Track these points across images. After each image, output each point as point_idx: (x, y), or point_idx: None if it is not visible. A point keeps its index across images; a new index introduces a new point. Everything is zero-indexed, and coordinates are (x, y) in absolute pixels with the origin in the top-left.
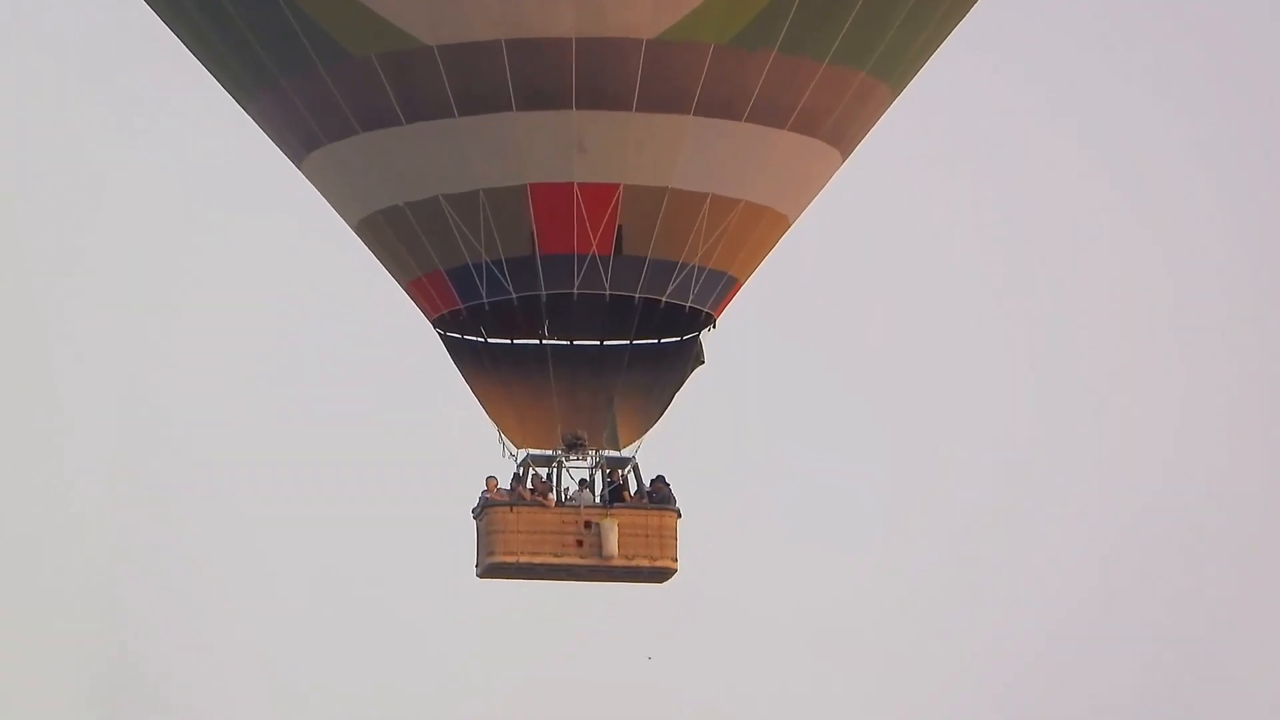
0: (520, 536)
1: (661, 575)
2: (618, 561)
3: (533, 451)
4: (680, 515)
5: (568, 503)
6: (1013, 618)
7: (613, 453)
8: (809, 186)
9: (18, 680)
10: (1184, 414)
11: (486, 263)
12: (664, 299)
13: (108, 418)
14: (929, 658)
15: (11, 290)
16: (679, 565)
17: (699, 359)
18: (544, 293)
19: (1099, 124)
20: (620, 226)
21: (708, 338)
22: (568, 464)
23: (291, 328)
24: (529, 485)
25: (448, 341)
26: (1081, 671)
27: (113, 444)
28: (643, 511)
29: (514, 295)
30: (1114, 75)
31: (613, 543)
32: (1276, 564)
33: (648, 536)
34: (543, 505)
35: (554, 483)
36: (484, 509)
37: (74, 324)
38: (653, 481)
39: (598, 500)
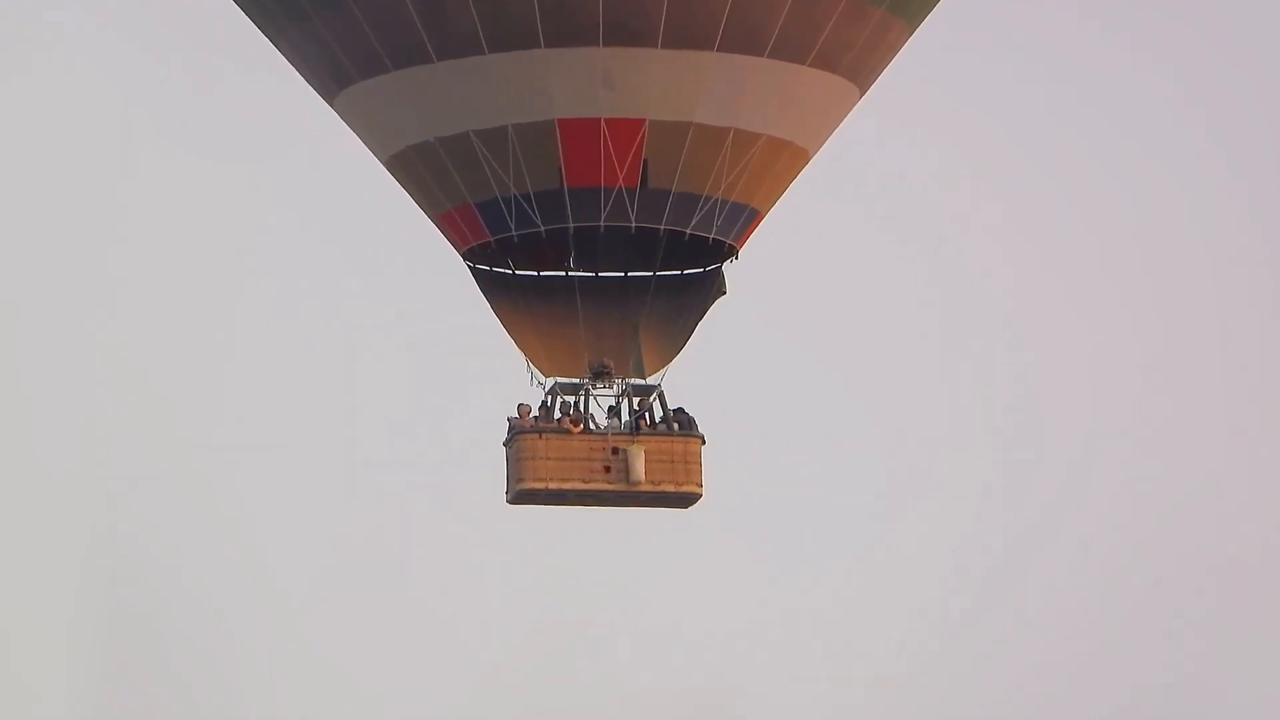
0: (549, 463)
1: (687, 500)
2: (644, 487)
3: (560, 380)
4: (704, 441)
5: (604, 430)
6: (1032, 547)
7: (638, 381)
8: (828, 121)
9: (21, 679)
10: (1183, 401)
11: (515, 196)
12: (688, 231)
13: (138, 346)
14: (949, 583)
15: (32, 222)
16: (704, 490)
17: (721, 289)
18: (571, 225)
19: (1118, 57)
20: (646, 160)
21: (730, 269)
22: (594, 392)
23: (324, 261)
24: (559, 413)
25: (477, 273)
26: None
27: (145, 373)
28: (668, 438)
29: (542, 228)
30: (1131, 17)
31: (639, 468)
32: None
33: (673, 462)
34: (569, 433)
35: (582, 410)
36: (514, 437)
37: (100, 258)
38: (674, 412)
39: (624, 427)
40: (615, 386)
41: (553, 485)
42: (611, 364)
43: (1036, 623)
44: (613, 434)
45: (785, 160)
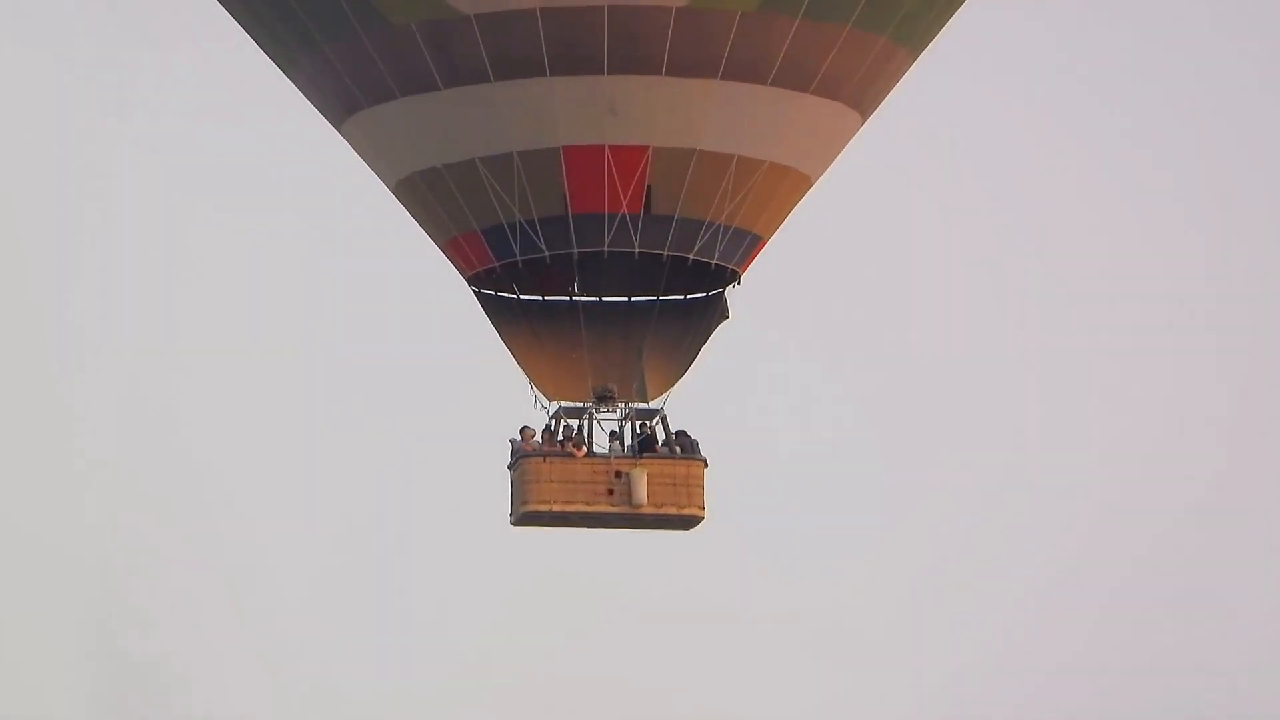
0: (553, 486)
1: (689, 523)
2: (647, 510)
3: (564, 403)
4: (707, 465)
5: (607, 453)
6: (1033, 567)
7: (641, 405)
8: (831, 147)
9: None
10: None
11: (520, 222)
12: (691, 256)
13: (146, 367)
14: (952, 604)
15: (34, 247)
16: (706, 513)
17: (724, 314)
18: (575, 250)
19: (1117, 85)
20: (649, 187)
21: (733, 293)
22: (598, 416)
23: (331, 285)
24: (561, 436)
25: (482, 298)
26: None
27: (153, 395)
28: (671, 461)
29: (547, 253)
30: (1133, 39)
31: (642, 491)
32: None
33: (676, 485)
34: (572, 456)
35: (585, 434)
36: (518, 460)
37: (106, 281)
38: (676, 435)
39: (627, 451)
40: (619, 410)
41: (556, 508)
42: (615, 388)
43: (1041, 643)
44: (615, 457)
45: (787, 186)
